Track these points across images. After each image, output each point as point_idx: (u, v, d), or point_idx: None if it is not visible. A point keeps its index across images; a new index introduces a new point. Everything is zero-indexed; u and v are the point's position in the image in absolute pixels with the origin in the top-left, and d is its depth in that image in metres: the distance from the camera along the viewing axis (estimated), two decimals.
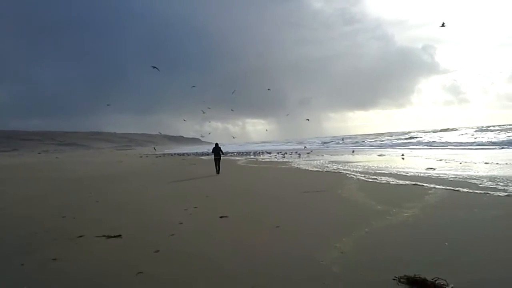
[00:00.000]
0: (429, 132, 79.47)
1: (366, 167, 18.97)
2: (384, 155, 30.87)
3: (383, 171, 16.18)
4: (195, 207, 9.05)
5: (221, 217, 7.74)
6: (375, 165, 20.05)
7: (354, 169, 18.01)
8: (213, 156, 20.49)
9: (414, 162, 21.50)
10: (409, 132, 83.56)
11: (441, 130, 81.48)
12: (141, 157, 50.06)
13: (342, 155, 33.89)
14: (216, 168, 19.56)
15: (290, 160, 28.48)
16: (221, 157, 20.47)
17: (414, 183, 11.86)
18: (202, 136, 54.20)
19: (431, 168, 16.79)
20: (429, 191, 10.13)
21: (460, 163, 18.89)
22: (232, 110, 47.84)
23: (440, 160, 21.55)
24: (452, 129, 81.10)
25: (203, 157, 40.69)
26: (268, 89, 29.99)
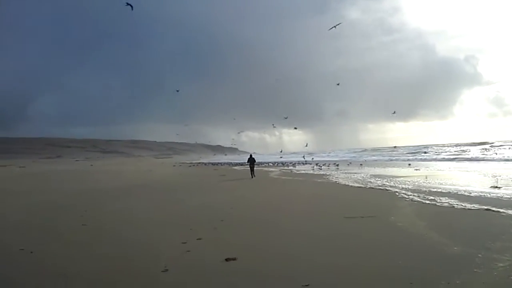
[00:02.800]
0: (475, 144, 73.24)
1: (416, 183, 16.45)
2: (431, 168, 27.80)
3: (439, 190, 13.67)
4: (199, 239, 6.99)
5: (227, 259, 5.64)
6: (426, 181, 17.49)
7: (403, 185, 15.55)
8: (248, 165, 25.14)
9: (471, 179, 18.62)
10: (455, 145, 77.45)
11: (483, 143, 74.56)
12: (174, 166, 49.62)
13: (384, 168, 31.07)
14: (252, 174, 23.94)
15: (327, 173, 26.17)
16: (255, 167, 25.29)
17: (486, 207, 9.42)
18: (234, 144, 53.47)
19: (496, 187, 14.08)
20: None
21: None
22: (273, 125, 46.01)
23: (499, 176, 18.51)
24: (499, 142, 74.14)
25: (236, 168, 39.25)
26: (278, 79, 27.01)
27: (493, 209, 9.20)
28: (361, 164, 36.90)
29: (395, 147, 67.70)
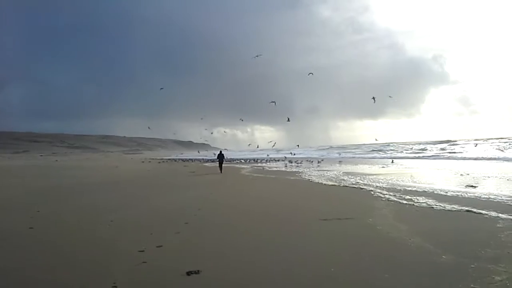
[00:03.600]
0: (442, 142, 75.32)
1: (389, 181, 16.03)
2: (402, 166, 27.78)
3: (414, 188, 13.23)
4: (159, 246, 5.93)
5: (189, 273, 4.66)
6: (399, 179, 17.17)
7: (377, 184, 15.03)
8: (217, 161, 26.13)
9: (443, 177, 18.51)
10: (422, 143, 79.23)
11: (449, 141, 76.74)
12: (143, 162, 47.82)
13: (356, 165, 30.88)
14: (220, 169, 24.89)
15: (299, 170, 25.54)
16: (223, 162, 26.16)
17: (466, 208, 8.91)
18: (206, 141, 52.21)
19: (472, 186, 13.81)
20: (498, 225, 7.17)
21: (508, 180, 15.79)
22: (241, 120, 45.18)
23: (470, 175, 18.59)
24: (464, 140, 76.59)
25: (206, 164, 38.02)
26: (273, 102, 27.13)
27: (474, 210, 8.69)
28: (339, 161, 36.70)
29: (376, 139, 67.96)
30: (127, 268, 4.92)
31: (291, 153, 48.77)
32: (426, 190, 12.65)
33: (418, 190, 12.82)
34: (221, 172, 24.25)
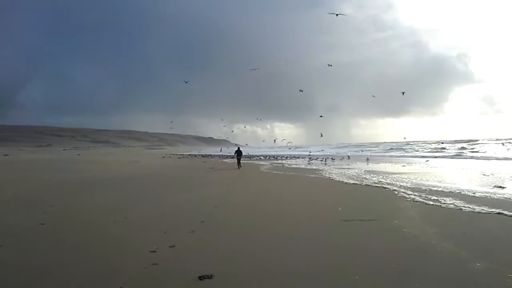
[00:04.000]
0: (463, 141, 72.90)
1: (413, 181, 15.53)
2: (427, 165, 27.02)
3: (440, 189, 12.75)
4: (172, 246, 5.79)
5: (201, 277, 4.48)
6: (424, 178, 16.62)
7: (400, 183, 14.59)
8: (236, 156, 27.32)
9: (469, 177, 17.78)
10: (447, 142, 76.75)
11: (469, 141, 74.06)
12: (163, 157, 48.35)
13: (378, 163, 30.22)
14: (238, 165, 26.16)
15: (320, 168, 25.18)
16: (242, 158, 27.79)
17: (497, 211, 8.48)
18: (227, 138, 52.57)
19: (500, 187, 13.24)
20: None
21: None
22: (259, 119, 45.87)
23: (496, 175, 18.03)
24: (487, 140, 73.92)
25: (226, 160, 38.09)
26: (301, 91, 28.26)
27: (506, 213, 8.26)
28: (367, 159, 35.97)
29: (404, 138, 66.31)
30: (136, 271, 4.80)
31: (309, 151, 48.57)
32: (452, 191, 12.17)
33: (444, 190, 12.35)
34: (239, 167, 25.49)
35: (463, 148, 55.01)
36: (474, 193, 11.60)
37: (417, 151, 56.46)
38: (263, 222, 7.82)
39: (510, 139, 70.91)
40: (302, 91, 27.92)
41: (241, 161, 27.27)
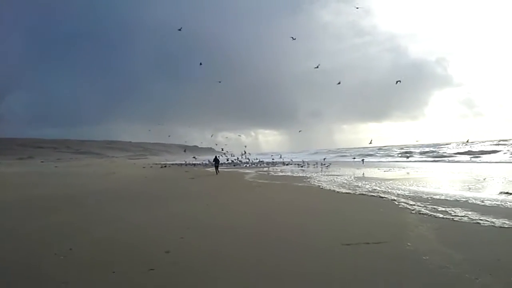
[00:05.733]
0: (450, 144, 73.08)
1: (410, 188, 14.26)
2: (415, 169, 25.98)
3: (442, 197, 11.47)
4: None
5: None
6: (420, 185, 15.46)
7: (397, 191, 13.24)
8: (214, 164, 29.87)
9: (465, 181, 16.69)
10: (428, 145, 76.55)
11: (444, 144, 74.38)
12: (144, 167, 46.20)
13: (366, 168, 29.03)
14: (216, 171, 28.89)
15: (308, 175, 23.72)
16: (219, 166, 30.39)
17: None
18: (216, 145, 50.92)
19: (507, 193, 12.07)
20: None
21: None
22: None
23: (489, 178, 17.56)
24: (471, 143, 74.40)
25: (209, 169, 36.19)
26: (293, 38, 27.49)
27: None
28: (327, 165, 34.67)
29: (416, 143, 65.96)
30: None
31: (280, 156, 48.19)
32: (457, 199, 10.88)
33: (448, 199, 11.03)
34: (217, 173, 28.21)
35: (429, 152, 55.10)
36: (482, 201, 10.36)
37: (391, 155, 56.12)
38: (244, 251, 6.15)
39: (491, 140, 71.38)
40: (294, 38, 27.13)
41: (219, 168, 29.99)
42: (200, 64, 40.34)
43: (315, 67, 30.28)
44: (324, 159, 42.53)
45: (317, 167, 33.49)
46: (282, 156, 50.95)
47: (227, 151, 46.12)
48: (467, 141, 43.83)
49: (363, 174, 23.21)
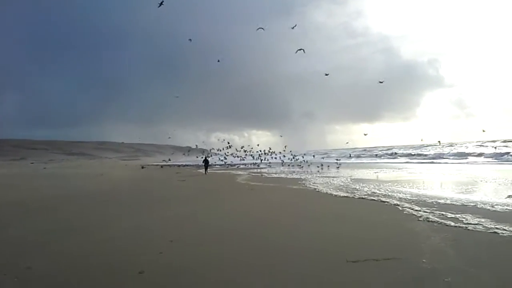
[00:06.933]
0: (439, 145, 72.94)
1: (411, 191, 13.50)
2: (410, 170, 25.37)
3: (447, 201, 10.71)
4: None
5: None
6: (421, 187, 14.91)
7: (398, 194, 12.45)
8: (204, 165, 32.20)
9: (468, 183, 16.06)
10: (420, 146, 76.20)
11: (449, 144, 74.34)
12: (133, 169, 45.04)
13: (361, 169, 28.38)
14: (205, 171, 31.10)
15: (302, 177, 22.85)
16: (209, 167, 33.24)
17: None
18: (205, 147, 49.92)
19: None
20: None
21: None
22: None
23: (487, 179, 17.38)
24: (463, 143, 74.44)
25: (200, 170, 35.15)
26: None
27: None
28: (337, 167, 33.85)
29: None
30: None
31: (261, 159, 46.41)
32: (464, 203, 10.14)
33: (454, 203, 10.26)
34: (205, 173, 29.98)
35: (413, 154, 54.58)
36: (492, 206, 9.61)
37: (406, 155, 55.43)
38: (234, 274, 5.15)
39: (481, 141, 71.51)
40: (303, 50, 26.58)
41: (208, 169, 32.28)
42: (177, 96, 42.87)
43: (326, 74, 30.14)
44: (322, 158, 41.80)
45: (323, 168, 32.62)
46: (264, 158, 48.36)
47: (227, 152, 45.00)
48: (439, 142, 43.44)
49: (358, 175, 22.49)
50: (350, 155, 62.08)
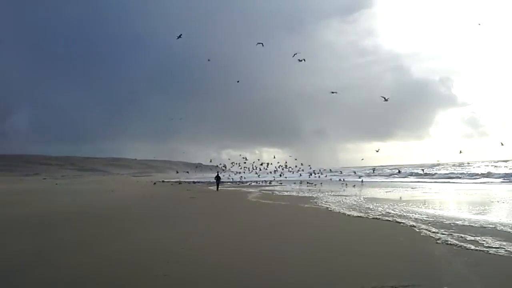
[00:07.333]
0: (452, 165, 71.37)
1: (426, 211, 13.16)
2: (425, 190, 24.77)
3: (465, 222, 10.35)
4: None
5: None
6: (437, 207, 14.59)
7: (413, 215, 12.09)
8: (215, 181, 31.37)
9: (484, 204, 15.65)
10: (432, 165, 74.54)
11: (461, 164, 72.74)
12: (145, 185, 45.17)
13: (375, 188, 27.87)
14: (217, 188, 30.71)
15: (314, 195, 22.50)
16: (221, 184, 32.57)
17: None
18: (217, 164, 50.05)
19: None
20: None
21: None
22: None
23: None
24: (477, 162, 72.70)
25: (211, 187, 34.98)
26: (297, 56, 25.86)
27: None
28: (353, 186, 33.33)
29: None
30: None
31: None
32: (482, 225, 9.81)
33: (472, 224, 9.92)
34: (217, 190, 30.02)
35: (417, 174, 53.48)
36: None
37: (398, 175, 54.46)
38: None
39: (495, 161, 69.80)
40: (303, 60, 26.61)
41: (219, 186, 31.45)
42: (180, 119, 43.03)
43: (333, 92, 29.83)
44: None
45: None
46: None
47: (243, 167, 44.85)
48: (438, 161, 43.03)
49: (370, 194, 22.07)
50: (363, 175, 60.86)
